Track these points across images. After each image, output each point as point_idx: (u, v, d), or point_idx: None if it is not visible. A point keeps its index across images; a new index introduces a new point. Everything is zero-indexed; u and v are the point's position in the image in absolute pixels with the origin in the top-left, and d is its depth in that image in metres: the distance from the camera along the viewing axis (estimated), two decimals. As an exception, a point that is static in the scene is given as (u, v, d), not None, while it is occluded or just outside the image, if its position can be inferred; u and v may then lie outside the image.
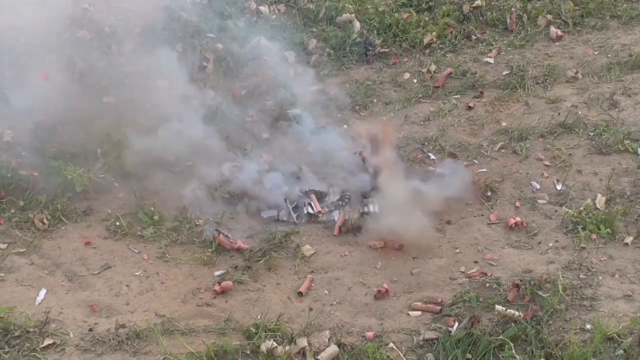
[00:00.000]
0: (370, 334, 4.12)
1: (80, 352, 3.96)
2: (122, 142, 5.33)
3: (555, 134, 5.73)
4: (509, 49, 6.97)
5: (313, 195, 5.09)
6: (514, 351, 3.90)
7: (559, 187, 5.19)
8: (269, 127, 5.81)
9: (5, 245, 4.66)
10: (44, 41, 6.51)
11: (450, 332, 4.06)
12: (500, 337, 3.98)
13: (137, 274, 4.54)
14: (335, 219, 4.98)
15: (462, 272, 4.58)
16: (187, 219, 4.93)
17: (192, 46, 6.72)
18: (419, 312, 4.29)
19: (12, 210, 4.90)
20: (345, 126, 5.89)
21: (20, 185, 5.04)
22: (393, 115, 6.06)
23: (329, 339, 4.06)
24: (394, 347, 4.01)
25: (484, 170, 5.39)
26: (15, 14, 5.97)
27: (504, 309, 4.13)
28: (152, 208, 4.96)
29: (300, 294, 4.40)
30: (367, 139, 5.39)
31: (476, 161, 5.51)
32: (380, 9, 7.30)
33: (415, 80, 6.54)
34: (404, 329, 4.16)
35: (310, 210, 5.03)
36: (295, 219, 5.01)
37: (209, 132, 5.56)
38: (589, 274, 4.46)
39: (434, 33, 7.07)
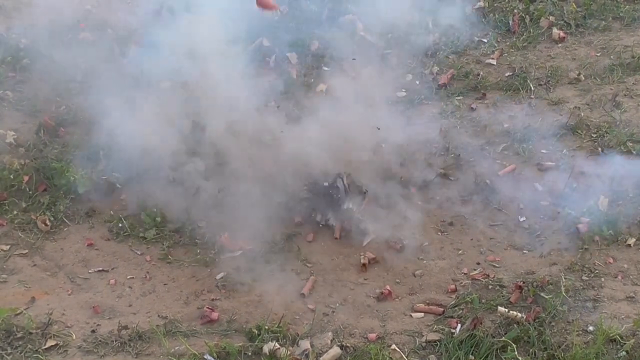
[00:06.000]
0: (372, 335, 4.11)
1: (82, 353, 3.95)
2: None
3: (557, 136, 5.72)
4: (511, 50, 6.97)
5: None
6: (516, 353, 3.88)
7: (561, 188, 5.18)
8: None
9: (8, 246, 4.66)
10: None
11: (452, 333, 4.06)
12: (503, 338, 3.97)
13: (139, 275, 4.54)
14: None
15: (464, 273, 4.58)
16: (189, 221, 4.92)
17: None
18: (422, 314, 4.28)
19: (15, 212, 4.90)
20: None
21: (23, 186, 5.04)
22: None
23: (331, 341, 4.05)
24: (396, 348, 4.00)
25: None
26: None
27: (506, 310, 4.13)
28: (155, 210, 4.96)
29: (302, 295, 4.39)
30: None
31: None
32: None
33: (417, 82, 6.54)
34: (407, 331, 4.16)
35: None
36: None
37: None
38: (592, 275, 4.45)
39: (436, 34, 7.07)
